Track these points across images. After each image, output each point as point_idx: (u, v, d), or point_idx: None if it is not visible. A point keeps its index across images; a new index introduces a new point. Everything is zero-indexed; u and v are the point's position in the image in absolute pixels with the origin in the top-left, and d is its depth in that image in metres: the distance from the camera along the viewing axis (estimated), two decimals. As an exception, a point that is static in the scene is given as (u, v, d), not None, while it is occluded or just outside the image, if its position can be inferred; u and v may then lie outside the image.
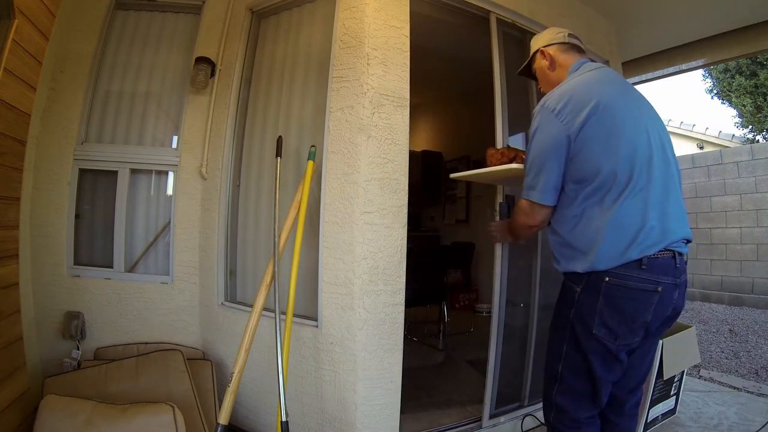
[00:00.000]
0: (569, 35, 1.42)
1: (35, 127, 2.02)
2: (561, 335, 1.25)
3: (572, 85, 1.25)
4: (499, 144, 2.02)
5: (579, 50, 1.42)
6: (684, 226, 1.20)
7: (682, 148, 7.94)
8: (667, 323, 1.23)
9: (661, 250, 1.13)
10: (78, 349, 2.04)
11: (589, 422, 1.25)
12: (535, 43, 1.48)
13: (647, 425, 2.05)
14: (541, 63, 1.44)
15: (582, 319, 1.18)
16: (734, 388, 2.75)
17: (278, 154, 1.85)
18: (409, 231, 1.80)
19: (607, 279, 1.13)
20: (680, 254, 1.17)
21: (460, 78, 4.41)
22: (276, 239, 1.68)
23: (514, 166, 1.62)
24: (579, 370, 1.22)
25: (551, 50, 1.41)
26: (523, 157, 1.61)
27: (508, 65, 2.09)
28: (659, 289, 1.12)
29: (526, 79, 1.65)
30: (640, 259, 1.11)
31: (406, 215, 1.79)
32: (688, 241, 1.21)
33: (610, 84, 1.26)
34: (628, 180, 1.13)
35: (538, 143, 1.24)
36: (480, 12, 2.13)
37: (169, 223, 2.25)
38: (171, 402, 1.64)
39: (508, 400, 2.09)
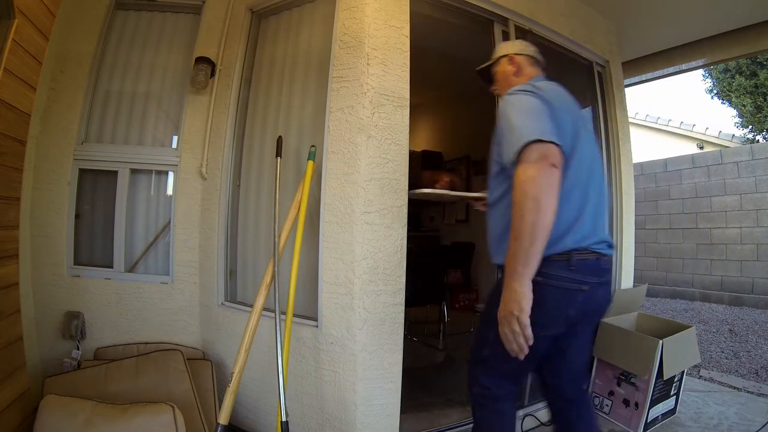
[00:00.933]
0: (538, 52, 1.53)
1: (35, 127, 2.02)
2: (488, 326, 1.30)
3: (542, 84, 1.34)
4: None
5: (542, 68, 1.52)
6: (605, 232, 1.30)
7: (682, 148, 7.93)
8: (594, 317, 1.36)
9: (588, 252, 1.21)
10: (78, 349, 2.04)
11: (507, 397, 1.36)
12: (504, 49, 1.55)
13: (647, 425, 2.05)
14: (506, 68, 1.51)
15: None
16: (734, 388, 2.75)
17: (278, 154, 1.85)
18: (409, 231, 1.80)
19: (538, 279, 1.15)
20: (605, 255, 1.26)
21: (460, 78, 4.39)
22: (276, 239, 1.68)
23: (435, 190, 1.90)
24: (502, 356, 1.27)
25: (521, 59, 1.49)
26: (447, 179, 1.74)
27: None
28: (584, 288, 1.21)
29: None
30: (570, 260, 1.18)
31: (406, 215, 1.79)
32: (611, 246, 1.30)
33: (567, 97, 1.34)
34: (576, 176, 1.21)
35: (518, 104, 1.20)
36: (494, 17, 2.16)
37: (169, 223, 2.25)
38: (171, 402, 1.64)
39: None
